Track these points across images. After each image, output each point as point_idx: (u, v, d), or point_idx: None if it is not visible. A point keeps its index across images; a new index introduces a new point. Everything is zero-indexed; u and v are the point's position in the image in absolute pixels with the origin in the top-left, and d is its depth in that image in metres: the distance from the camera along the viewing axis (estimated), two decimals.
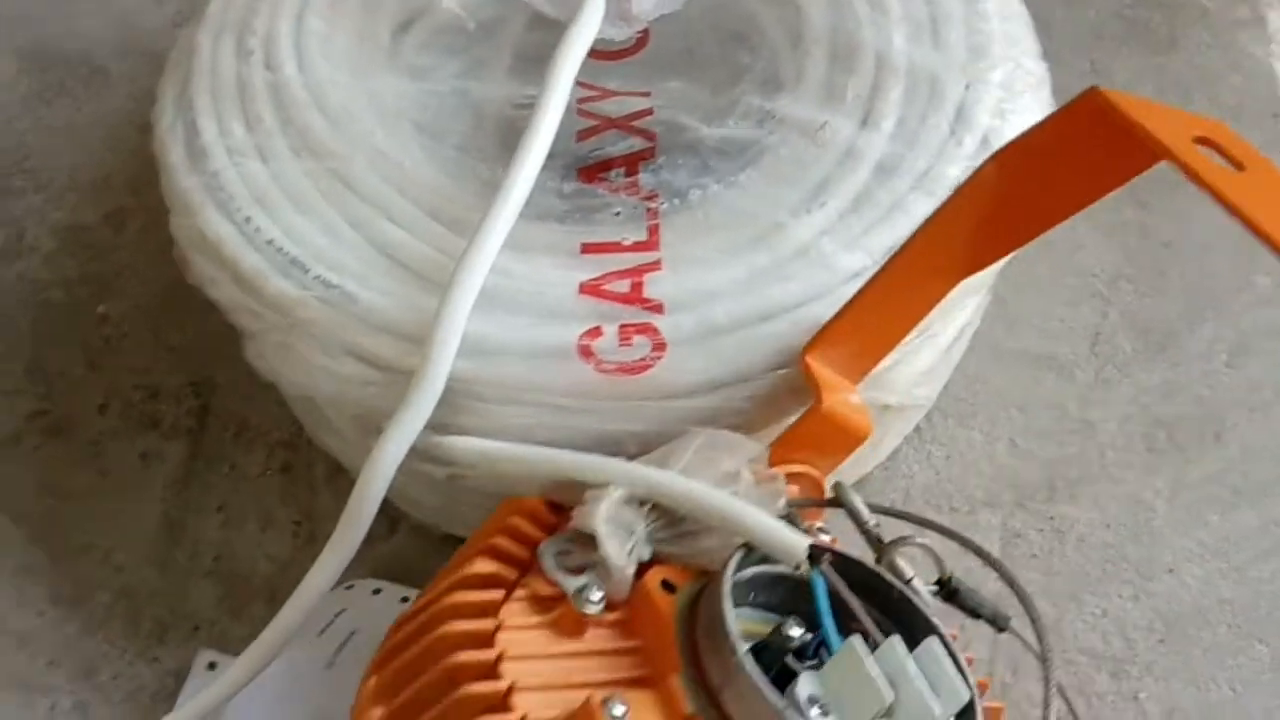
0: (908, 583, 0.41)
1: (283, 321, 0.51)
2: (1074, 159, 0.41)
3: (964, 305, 0.54)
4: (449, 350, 0.48)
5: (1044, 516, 0.60)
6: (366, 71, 0.59)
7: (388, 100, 0.58)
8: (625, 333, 0.48)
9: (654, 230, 0.52)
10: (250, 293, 0.52)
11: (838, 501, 0.44)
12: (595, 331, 0.48)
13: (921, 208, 0.52)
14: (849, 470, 0.60)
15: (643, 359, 0.48)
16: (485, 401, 0.48)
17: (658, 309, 0.49)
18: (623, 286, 0.50)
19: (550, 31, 0.56)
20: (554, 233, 0.52)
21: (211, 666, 0.55)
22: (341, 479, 0.61)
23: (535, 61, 0.56)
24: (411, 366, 0.48)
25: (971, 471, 0.62)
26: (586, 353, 0.48)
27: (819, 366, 0.47)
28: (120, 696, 0.55)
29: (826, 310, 0.49)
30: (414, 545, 0.59)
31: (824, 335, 0.48)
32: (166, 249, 0.56)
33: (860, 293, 0.47)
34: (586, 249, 0.51)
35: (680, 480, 0.42)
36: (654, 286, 0.50)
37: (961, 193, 0.44)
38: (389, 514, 0.57)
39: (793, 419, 0.49)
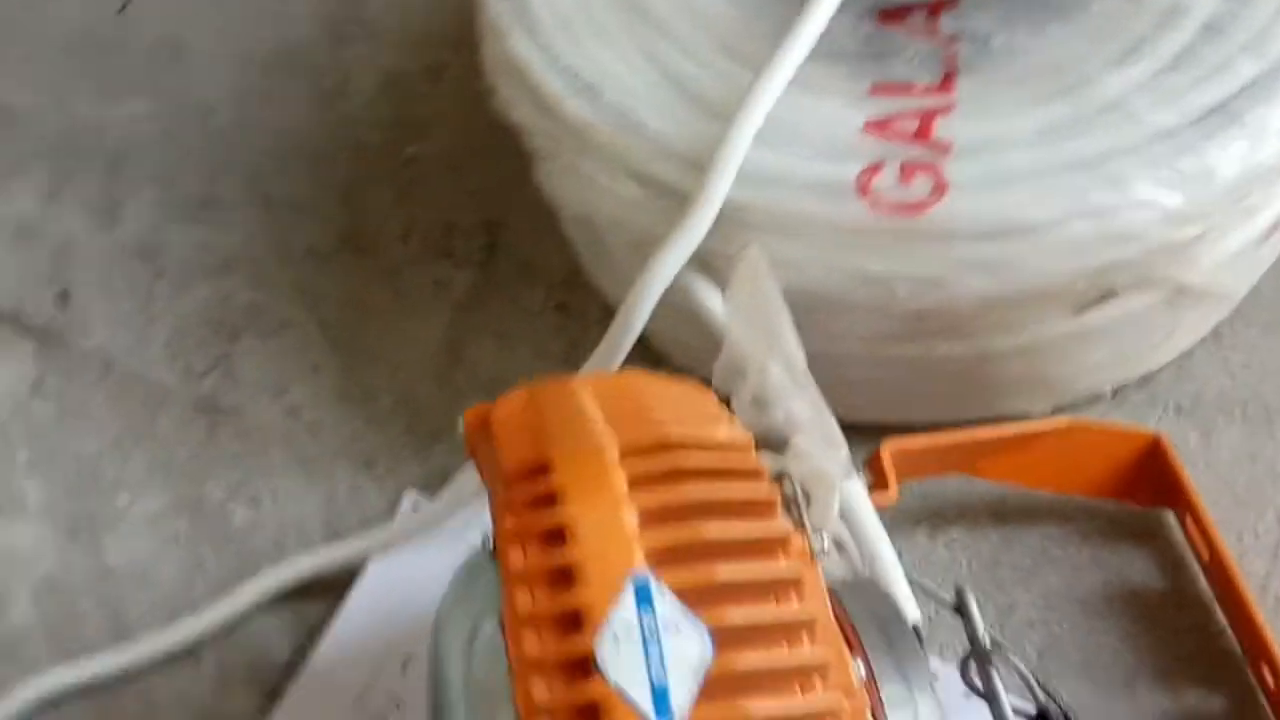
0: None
1: (575, 144, 0.53)
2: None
3: None
4: (728, 175, 0.48)
5: None
6: None
7: None
8: (907, 171, 0.47)
9: (950, 76, 0.50)
10: (547, 115, 0.54)
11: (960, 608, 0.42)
12: (875, 169, 0.47)
13: (1250, 70, 0.48)
14: (1135, 363, 0.57)
15: (921, 199, 0.46)
16: (757, 230, 0.48)
17: (944, 149, 0.47)
18: (910, 126, 0.48)
19: None
20: (844, 74, 0.51)
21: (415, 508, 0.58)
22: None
23: None
24: (690, 191, 0.48)
25: (1272, 382, 0.57)
26: (864, 189, 0.47)
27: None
28: (393, 487, 0.59)
29: (1130, 167, 0.46)
30: None
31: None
32: (476, 102, 0.59)
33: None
34: (875, 90, 0.50)
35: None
36: (943, 128, 0.48)
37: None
38: (653, 354, 0.58)
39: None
